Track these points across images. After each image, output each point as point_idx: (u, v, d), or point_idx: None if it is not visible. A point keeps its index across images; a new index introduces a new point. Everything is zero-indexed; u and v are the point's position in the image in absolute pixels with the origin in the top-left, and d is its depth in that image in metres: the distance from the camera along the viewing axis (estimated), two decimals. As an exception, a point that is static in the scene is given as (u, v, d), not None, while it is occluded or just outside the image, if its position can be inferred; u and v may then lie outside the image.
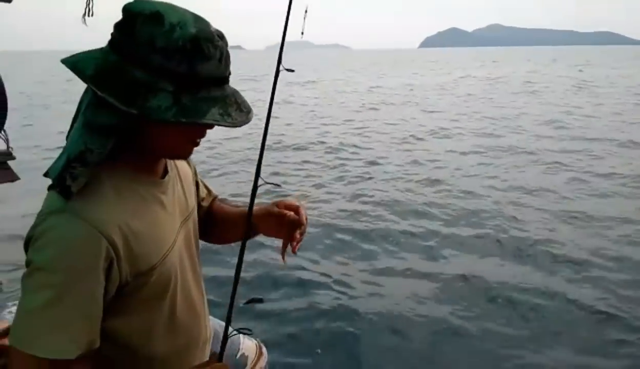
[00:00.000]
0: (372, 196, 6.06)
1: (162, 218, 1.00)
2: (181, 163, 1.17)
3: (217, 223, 1.33)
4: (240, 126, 0.90)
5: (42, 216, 0.87)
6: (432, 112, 14.05)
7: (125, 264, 0.91)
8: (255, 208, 1.18)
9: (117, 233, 0.88)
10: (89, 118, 0.86)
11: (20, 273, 0.89)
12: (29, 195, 3.62)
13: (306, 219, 1.20)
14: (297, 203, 1.21)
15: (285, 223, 1.19)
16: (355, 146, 9.19)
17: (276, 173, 7.19)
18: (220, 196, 1.39)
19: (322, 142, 9.53)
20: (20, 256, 0.89)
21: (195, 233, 1.17)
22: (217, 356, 1.09)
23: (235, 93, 0.93)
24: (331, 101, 17.23)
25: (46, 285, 0.84)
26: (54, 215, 0.85)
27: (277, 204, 1.22)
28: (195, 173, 1.27)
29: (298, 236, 1.17)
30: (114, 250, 0.88)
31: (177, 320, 1.07)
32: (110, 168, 0.92)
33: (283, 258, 1.21)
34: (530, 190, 6.15)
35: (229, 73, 0.92)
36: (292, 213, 1.19)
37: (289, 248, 1.19)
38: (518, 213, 5.26)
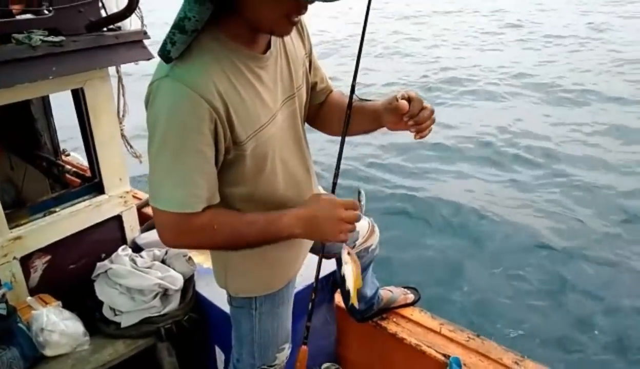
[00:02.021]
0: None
1: (260, 92, 1.02)
2: (291, 43, 1.13)
3: (328, 113, 1.29)
4: (326, 1, 0.85)
5: (150, 83, 0.94)
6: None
7: (226, 129, 0.96)
8: (377, 101, 1.15)
9: (216, 98, 0.93)
10: None
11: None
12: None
13: (429, 111, 1.08)
14: (416, 95, 1.08)
15: (401, 115, 1.08)
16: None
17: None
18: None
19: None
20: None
21: (300, 113, 1.18)
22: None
23: None
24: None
25: (162, 148, 0.93)
26: (159, 81, 0.92)
27: (396, 97, 1.09)
28: (309, 54, 1.22)
29: (412, 124, 1.07)
30: (216, 113, 0.93)
31: (280, 195, 1.13)
32: (211, 39, 0.96)
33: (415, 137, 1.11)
34: None
35: None
36: (407, 102, 1.07)
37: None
38: None
